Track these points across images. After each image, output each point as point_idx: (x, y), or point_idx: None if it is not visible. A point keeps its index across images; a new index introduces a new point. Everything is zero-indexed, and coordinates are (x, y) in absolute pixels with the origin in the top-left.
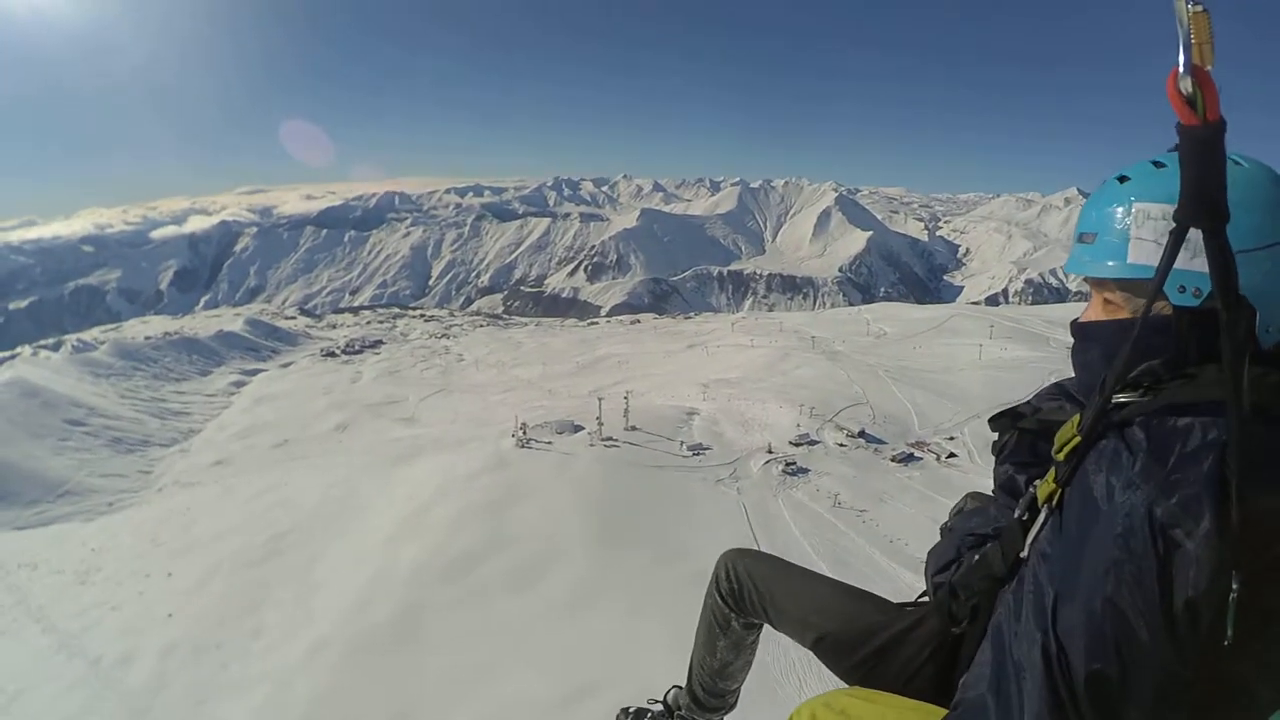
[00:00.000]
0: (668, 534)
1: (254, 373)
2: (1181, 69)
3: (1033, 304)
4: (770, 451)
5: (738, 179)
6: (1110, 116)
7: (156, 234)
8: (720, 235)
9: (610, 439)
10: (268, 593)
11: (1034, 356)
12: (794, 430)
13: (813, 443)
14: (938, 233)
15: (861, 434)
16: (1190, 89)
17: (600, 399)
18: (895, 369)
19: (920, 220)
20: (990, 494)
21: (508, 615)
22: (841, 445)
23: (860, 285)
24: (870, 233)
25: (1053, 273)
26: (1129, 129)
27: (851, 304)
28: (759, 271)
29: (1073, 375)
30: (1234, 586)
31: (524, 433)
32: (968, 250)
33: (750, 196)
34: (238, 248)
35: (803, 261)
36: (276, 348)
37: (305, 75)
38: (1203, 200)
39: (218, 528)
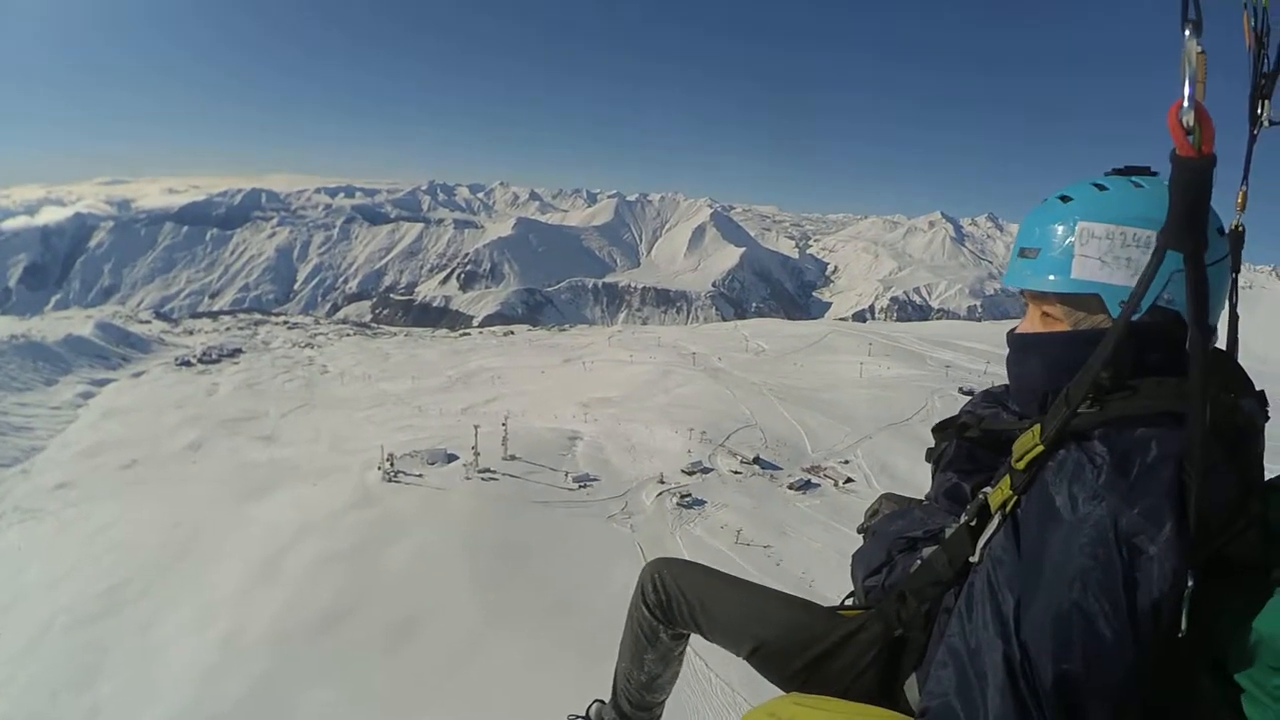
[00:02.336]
0: (558, 581)
1: (103, 382)
2: (1186, 103)
3: (898, 320)
4: (662, 481)
5: (614, 191)
6: (972, 147)
7: (7, 224)
8: (596, 247)
9: (488, 470)
10: (104, 658)
11: (914, 374)
12: (685, 457)
13: (706, 470)
14: (808, 250)
15: (756, 460)
16: (1191, 122)
17: (476, 426)
18: (779, 388)
19: (791, 238)
20: (906, 497)
21: (384, 681)
22: (736, 473)
23: (733, 300)
24: (743, 249)
25: (916, 290)
26: (989, 161)
27: (724, 318)
28: (634, 284)
29: (998, 383)
30: (1189, 584)
31: (391, 465)
32: (836, 268)
33: (626, 209)
34: (92, 243)
35: (677, 275)
36: (128, 355)
37: (174, 56)
38: (1192, 228)
39: (52, 574)
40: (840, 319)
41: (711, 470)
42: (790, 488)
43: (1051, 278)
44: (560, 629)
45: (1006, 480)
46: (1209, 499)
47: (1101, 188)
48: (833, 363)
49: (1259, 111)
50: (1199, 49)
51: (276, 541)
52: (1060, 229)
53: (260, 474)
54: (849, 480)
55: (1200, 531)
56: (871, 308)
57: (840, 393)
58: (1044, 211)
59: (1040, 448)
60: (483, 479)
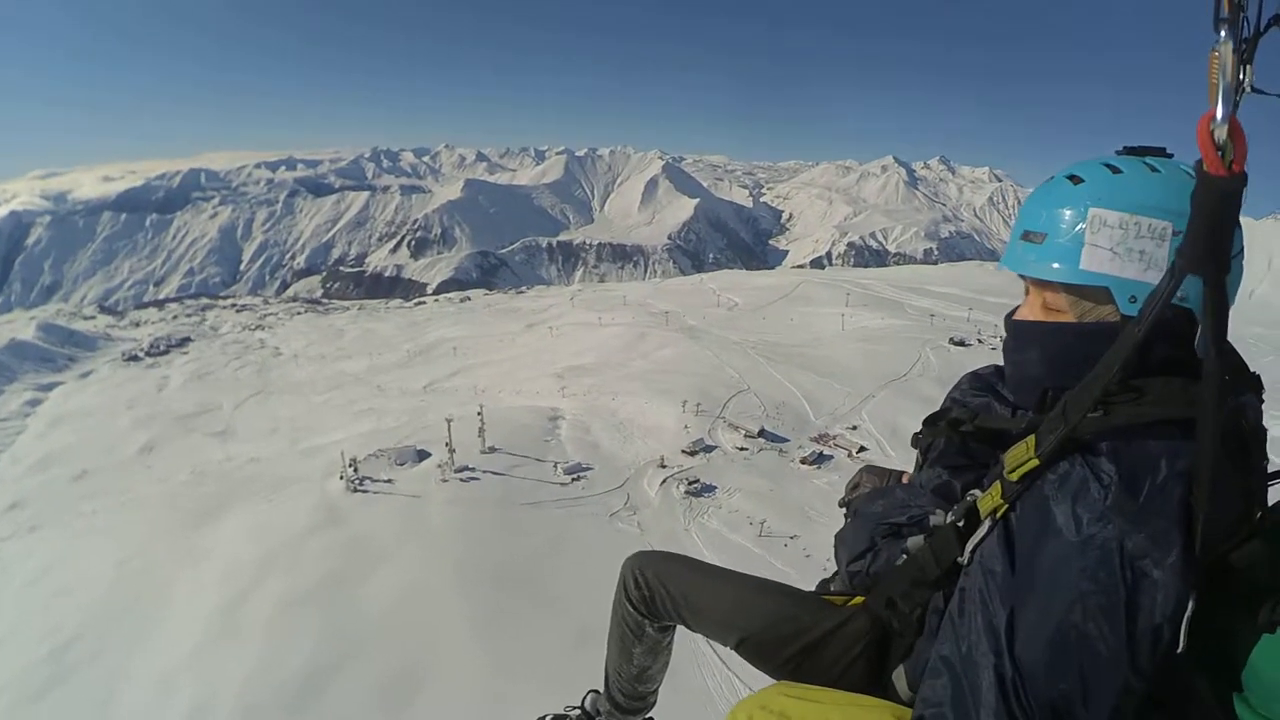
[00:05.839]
0: (571, 606)
1: (50, 387)
2: (1219, 117)
3: (855, 266)
4: (663, 465)
5: (563, 148)
6: (921, 85)
7: None
8: (548, 205)
9: (466, 469)
10: None
11: (899, 325)
12: (682, 434)
13: (709, 449)
14: (761, 199)
15: (761, 433)
16: (1224, 138)
17: (449, 419)
18: (763, 346)
19: (744, 187)
20: (887, 469)
21: None
22: (742, 449)
23: (689, 252)
24: (697, 200)
25: (872, 235)
26: (939, 99)
27: (682, 271)
28: (589, 241)
29: (977, 366)
30: (1190, 604)
31: (354, 470)
32: (791, 215)
33: (577, 165)
34: (30, 240)
35: (632, 230)
36: (75, 355)
37: (95, 38)
38: (1214, 253)
39: None
40: (798, 266)
41: (715, 448)
42: (803, 462)
43: (1057, 266)
44: (585, 664)
45: (998, 487)
46: (1216, 516)
47: (1114, 169)
48: (812, 315)
49: (1240, 77)
50: (1234, 52)
51: (236, 581)
52: (1069, 213)
53: (213, 488)
54: (862, 449)
55: (1205, 549)
56: (829, 254)
57: (828, 348)
58: (1051, 192)
59: (1036, 461)
60: (461, 480)
